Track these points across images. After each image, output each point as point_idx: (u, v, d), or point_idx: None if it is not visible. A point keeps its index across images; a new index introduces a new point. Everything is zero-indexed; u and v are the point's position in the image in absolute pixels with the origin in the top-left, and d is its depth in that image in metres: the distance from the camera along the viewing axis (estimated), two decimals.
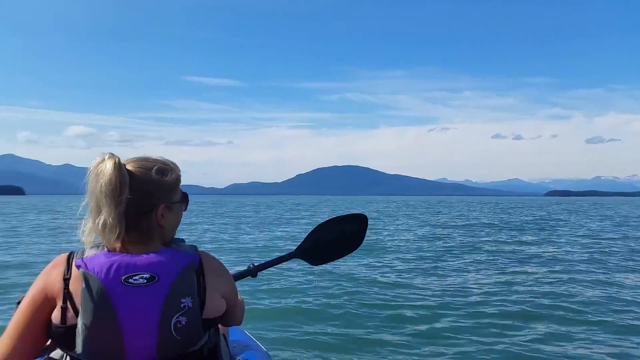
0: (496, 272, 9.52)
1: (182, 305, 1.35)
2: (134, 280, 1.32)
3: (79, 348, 1.31)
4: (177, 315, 1.34)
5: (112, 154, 1.41)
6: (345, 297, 6.99)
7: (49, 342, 1.43)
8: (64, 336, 1.34)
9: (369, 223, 2.40)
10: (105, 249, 1.38)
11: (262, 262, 2.18)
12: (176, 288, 1.34)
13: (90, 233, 1.40)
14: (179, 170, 1.53)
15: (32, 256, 11.63)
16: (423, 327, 5.62)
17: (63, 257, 1.42)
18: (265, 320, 5.79)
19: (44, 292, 1.38)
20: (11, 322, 1.39)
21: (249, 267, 2.10)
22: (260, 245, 14.66)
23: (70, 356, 1.34)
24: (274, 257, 2.22)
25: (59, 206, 55.99)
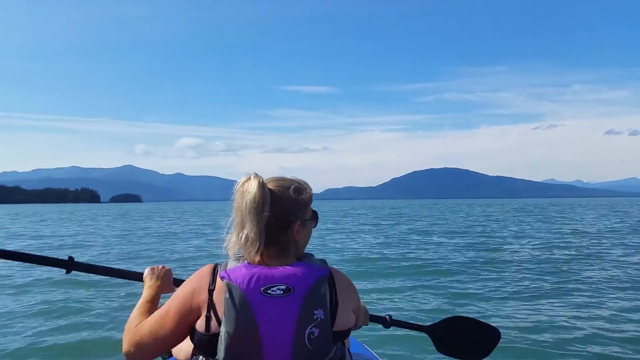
0: None
1: (315, 317, 1.40)
2: (272, 291, 1.38)
3: (220, 355, 1.39)
4: (311, 326, 1.39)
5: (256, 174, 1.50)
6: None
7: (190, 348, 1.56)
8: (207, 344, 1.43)
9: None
10: (246, 262, 1.47)
11: (399, 319, 2.26)
12: (310, 300, 1.40)
13: (234, 246, 1.50)
14: (311, 190, 1.59)
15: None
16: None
17: (208, 268, 1.51)
18: (391, 339, 5.18)
19: (191, 301, 1.46)
20: (156, 318, 1.51)
21: (385, 317, 2.20)
22: (367, 253, 13.92)
23: None
24: (409, 322, 2.32)
25: (171, 212, 60.07)
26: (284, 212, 1.49)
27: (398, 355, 4.85)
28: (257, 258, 1.48)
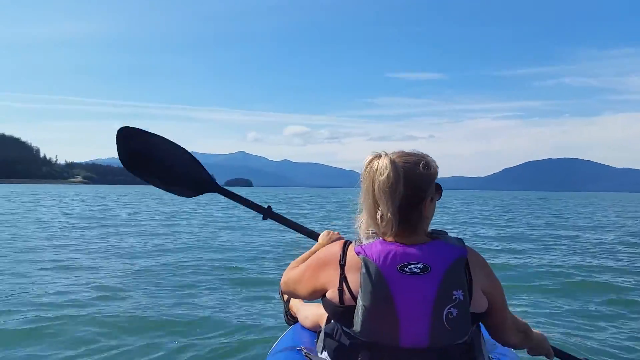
0: None
1: (453, 297, 1.40)
2: (409, 269, 1.40)
3: (357, 327, 1.44)
4: (449, 306, 1.40)
5: (384, 152, 1.49)
6: None
7: (325, 316, 1.71)
8: (342, 315, 1.48)
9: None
10: (381, 239, 1.48)
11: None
12: (448, 280, 1.40)
13: (367, 227, 1.51)
14: (436, 163, 1.57)
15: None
16: None
17: (338, 244, 1.55)
18: None
19: (319, 273, 1.56)
20: (298, 273, 1.68)
21: None
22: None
23: (346, 333, 1.49)
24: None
25: (282, 196, 61.78)
26: (415, 188, 1.47)
27: None
28: (391, 237, 1.47)
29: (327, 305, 1.52)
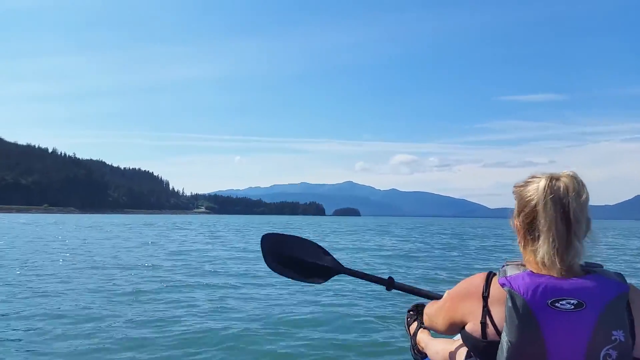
0: None
1: (612, 338, 1.28)
2: (561, 304, 1.30)
3: None
4: (607, 347, 1.28)
5: (572, 172, 1.41)
6: None
7: (464, 351, 1.60)
8: (484, 350, 1.40)
9: None
10: (529, 270, 1.39)
11: None
12: (606, 318, 1.29)
13: (546, 257, 1.37)
14: None
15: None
16: None
17: (481, 276, 1.46)
18: None
19: (459, 305, 1.49)
20: (436, 308, 1.68)
21: None
22: None
23: None
24: None
25: (390, 226, 61.88)
26: (582, 215, 1.36)
27: None
28: (544, 267, 1.36)
29: (467, 339, 1.45)
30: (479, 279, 1.45)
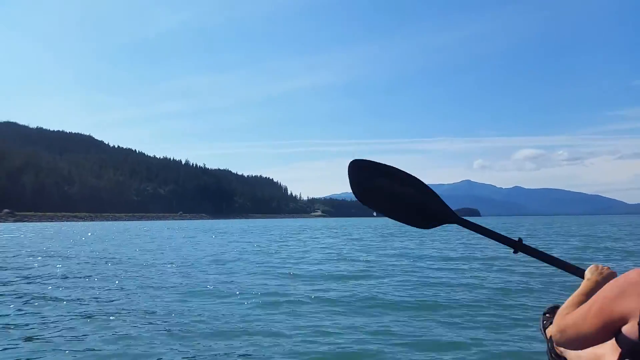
0: None
1: None
2: None
3: None
4: None
5: None
6: None
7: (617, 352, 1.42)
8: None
9: None
10: None
11: None
12: None
13: None
14: None
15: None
16: None
17: (638, 272, 1.34)
18: None
19: (614, 304, 1.34)
20: (580, 312, 1.46)
21: None
22: None
23: None
24: None
25: (512, 225, 58.53)
26: None
27: None
28: None
29: (624, 342, 1.33)
30: (636, 274, 1.34)
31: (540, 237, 32.58)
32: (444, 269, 13.00)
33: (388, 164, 2.07)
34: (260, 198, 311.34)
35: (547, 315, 2.09)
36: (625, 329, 1.31)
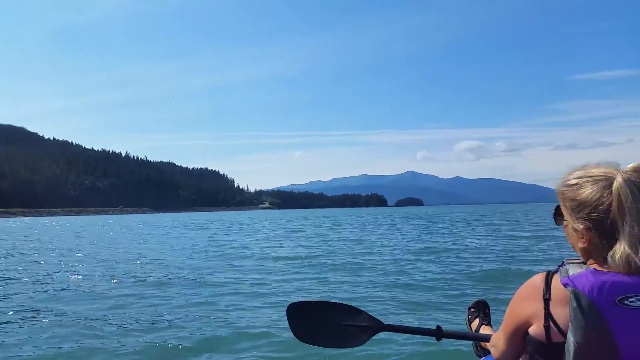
0: None
1: None
2: (630, 302, 1.25)
3: None
4: None
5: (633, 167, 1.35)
6: None
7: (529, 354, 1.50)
8: (547, 352, 1.38)
9: None
10: (591, 268, 1.34)
11: None
12: None
13: (619, 255, 1.30)
14: None
15: None
16: None
17: (540, 277, 1.42)
18: None
19: (520, 312, 1.44)
20: (498, 332, 1.60)
21: None
22: None
23: None
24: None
25: (450, 214, 60.84)
26: None
27: None
28: (621, 266, 1.29)
29: (531, 342, 1.42)
30: (538, 279, 1.41)
31: (473, 224, 34.41)
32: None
33: (322, 301, 2.25)
34: (206, 191, 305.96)
35: (472, 309, 2.22)
36: (531, 330, 1.41)
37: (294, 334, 2.12)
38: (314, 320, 2.13)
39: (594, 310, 1.25)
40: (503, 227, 30.47)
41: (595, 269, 1.32)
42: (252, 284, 9.85)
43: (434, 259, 13.62)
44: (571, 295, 1.28)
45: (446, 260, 13.24)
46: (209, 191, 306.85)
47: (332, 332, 2.11)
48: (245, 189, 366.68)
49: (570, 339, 1.28)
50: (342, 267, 12.29)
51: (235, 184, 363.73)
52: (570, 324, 1.28)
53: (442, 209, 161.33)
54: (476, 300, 2.27)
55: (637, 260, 1.27)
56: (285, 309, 2.10)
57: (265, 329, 6.22)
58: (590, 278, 1.28)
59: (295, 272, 11.68)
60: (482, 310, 2.20)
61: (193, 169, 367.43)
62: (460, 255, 14.49)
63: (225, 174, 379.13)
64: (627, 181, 1.31)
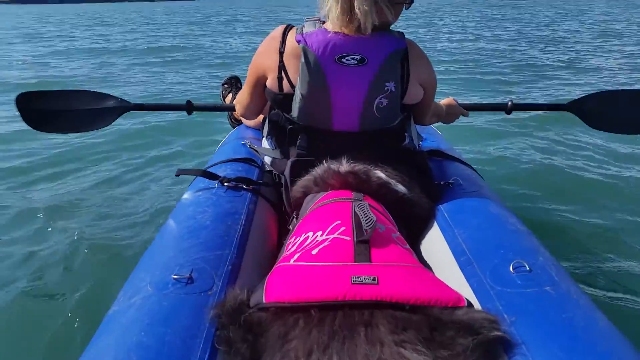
0: None
1: (385, 89, 1.42)
2: (346, 60, 1.39)
3: (294, 112, 1.48)
4: (380, 96, 1.43)
5: None
6: None
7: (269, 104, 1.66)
8: (281, 102, 1.51)
9: None
10: (323, 27, 1.45)
11: (522, 102, 2.36)
12: (382, 72, 1.41)
13: (330, 9, 1.40)
14: None
15: None
16: None
17: (279, 30, 1.51)
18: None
19: (261, 63, 1.53)
20: (242, 88, 1.71)
21: (506, 103, 2.11)
22: None
23: (286, 118, 1.52)
24: (538, 102, 2.38)
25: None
26: None
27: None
28: (337, 25, 1.40)
29: (268, 94, 1.54)
30: (277, 32, 1.50)
31: None
32: None
33: (55, 90, 2.11)
34: None
35: (225, 85, 2.40)
36: (268, 83, 1.51)
37: (30, 125, 2.02)
38: (53, 108, 2.04)
39: (318, 66, 1.39)
40: None
41: (325, 28, 1.43)
42: None
43: None
44: (301, 52, 1.40)
45: None
46: None
47: (77, 117, 2.06)
48: None
49: (297, 91, 1.44)
50: None
51: None
52: (298, 77, 1.43)
53: None
54: (230, 75, 2.48)
55: (344, 20, 1.37)
56: (15, 100, 1.96)
57: None
58: (319, 36, 1.40)
59: None
60: (234, 84, 2.40)
61: None
62: None
63: None
64: None
